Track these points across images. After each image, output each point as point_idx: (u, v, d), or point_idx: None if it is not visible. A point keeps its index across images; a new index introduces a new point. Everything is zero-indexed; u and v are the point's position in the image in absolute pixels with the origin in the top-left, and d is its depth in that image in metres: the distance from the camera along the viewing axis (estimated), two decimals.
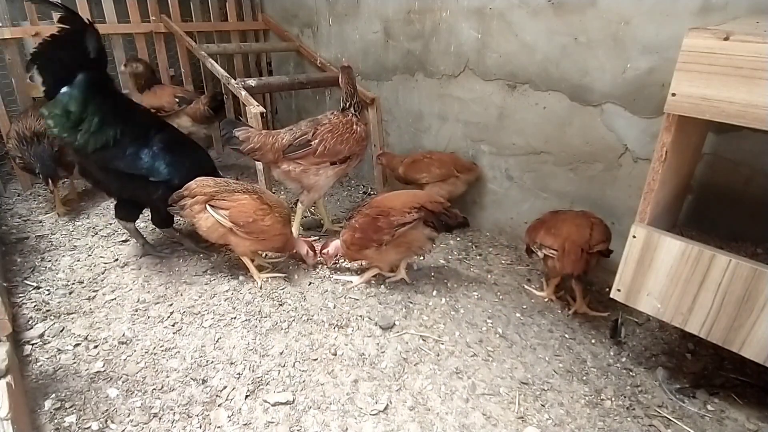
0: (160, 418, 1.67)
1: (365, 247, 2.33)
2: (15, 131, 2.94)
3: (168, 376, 1.85)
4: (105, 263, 2.58)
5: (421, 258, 2.78)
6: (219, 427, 1.65)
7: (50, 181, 2.90)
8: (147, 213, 2.76)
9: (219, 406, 1.74)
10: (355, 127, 2.66)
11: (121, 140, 2.34)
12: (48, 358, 1.92)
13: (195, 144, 2.78)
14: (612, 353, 2.09)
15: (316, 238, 2.88)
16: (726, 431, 1.72)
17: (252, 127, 2.72)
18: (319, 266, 2.64)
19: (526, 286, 2.57)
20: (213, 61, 3.32)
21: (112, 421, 1.65)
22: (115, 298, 2.30)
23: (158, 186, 2.43)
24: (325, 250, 2.49)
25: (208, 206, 2.30)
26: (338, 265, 2.67)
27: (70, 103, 2.22)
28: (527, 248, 2.41)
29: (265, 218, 2.34)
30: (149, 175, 2.41)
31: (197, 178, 2.38)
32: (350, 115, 2.68)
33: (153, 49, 3.90)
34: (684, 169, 1.90)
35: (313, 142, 2.60)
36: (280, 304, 2.30)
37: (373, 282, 2.50)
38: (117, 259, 2.63)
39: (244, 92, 3.00)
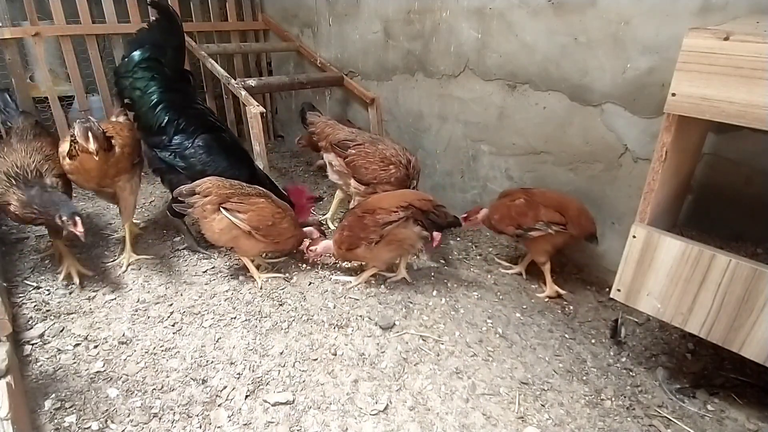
0: (160, 418, 1.67)
1: (354, 246, 2.33)
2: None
3: (168, 376, 1.85)
4: (105, 263, 2.58)
5: (422, 258, 2.78)
6: (219, 427, 1.65)
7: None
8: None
9: (219, 406, 1.74)
10: (390, 167, 2.69)
11: (165, 128, 2.57)
12: (48, 358, 1.92)
13: (241, 152, 2.76)
14: (612, 353, 2.09)
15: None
16: (726, 431, 1.72)
17: (322, 115, 3.06)
18: (319, 263, 2.65)
19: (497, 259, 2.72)
20: (213, 61, 3.32)
21: (112, 421, 1.65)
22: (115, 298, 2.30)
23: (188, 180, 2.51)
24: (313, 247, 2.49)
25: (222, 209, 2.28)
26: (338, 266, 2.67)
27: (122, 65, 2.62)
28: (514, 232, 2.44)
29: (282, 221, 2.38)
30: (183, 169, 2.57)
31: (210, 178, 2.36)
32: (401, 159, 2.71)
33: None
34: (684, 169, 1.90)
35: (349, 150, 2.77)
36: (280, 304, 2.30)
37: (373, 282, 2.50)
38: (116, 259, 2.63)
39: (244, 92, 3.00)
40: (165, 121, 2.57)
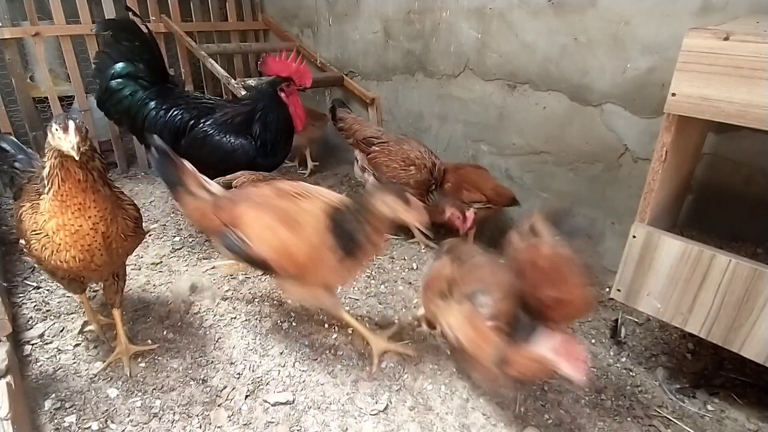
0: (160, 418, 1.68)
1: None
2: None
3: (168, 376, 1.85)
4: None
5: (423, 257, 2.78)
6: (219, 427, 1.65)
7: None
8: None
9: (219, 406, 1.74)
10: (411, 168, 2.68)
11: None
12: (48, 358, 1.92)
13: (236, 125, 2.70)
14: (612, 353, 2.09)
15: None
16: (726, 431, 1.72)
17: (351, 112, 3.18)
18: None
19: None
20: (213, 61, 3.32)
21: (112, 421, 1.65)
22: None
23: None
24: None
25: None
26: None
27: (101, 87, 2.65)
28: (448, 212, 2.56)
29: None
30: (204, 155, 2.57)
31: (243, 172, 2.45)
32: (425, 163, 2.68)
33: None
34: (684, 169, 1.90)
35: (372, 147, 2.82)
36: (280, 304, 2.30)
37: (372, 282, 2.50)
38: None
39: (244, 92, 3.00)
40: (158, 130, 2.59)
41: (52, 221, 1.51)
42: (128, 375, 1.85)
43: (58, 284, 1.91)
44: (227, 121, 2.60)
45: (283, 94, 2.61)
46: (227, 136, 2.56)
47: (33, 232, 1.58)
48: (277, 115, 2.61)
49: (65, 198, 1.49)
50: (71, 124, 1.41)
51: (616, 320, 2.20)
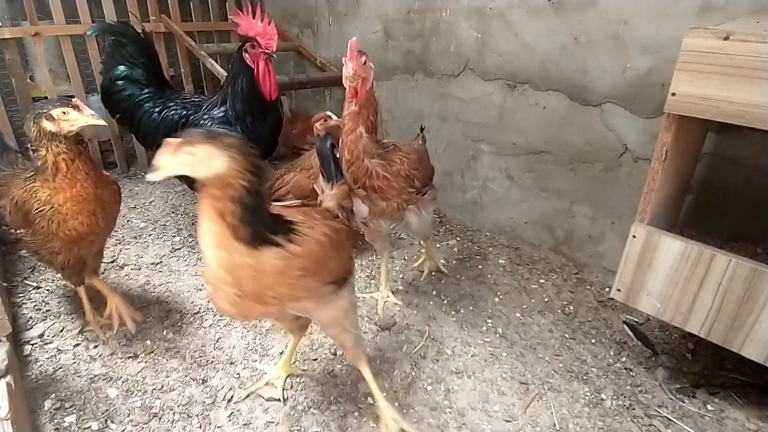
0: (160, 418, 1.68)
1: None
2: None
3: (168, 376, 1.85)
4: (104, 263, 2.58)
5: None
6: (219, 427, 1.65)
7: None
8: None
9: (219, 406, 1.74)
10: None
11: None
12: (48, 358, 1.92)
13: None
14: (612, 353, 2.09)
15: None
16: (726, 431, 1.72)
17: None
18: None
19: None
20: (213, 61, 3.31)
21: (112, 421, 1.66)
22: None
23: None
24: None
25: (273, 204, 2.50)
26: None
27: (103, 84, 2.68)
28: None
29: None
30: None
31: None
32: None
33: None
34: (684, 169, 1.90)
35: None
36: None
37: (372, 282, 2.50)
38: (114, 260, 2.63)
39: None
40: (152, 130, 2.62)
41: (59, 195, 1.62)
42: (113, 328, 1.97)
43: (57, 273, 2.00)
44: (215, 107, 2.52)
45: (247, 56, 2.35)
46: (215, 126, 2.47)
47: (37, 211, 1.65)
48: (243, 80, 2.39)
49: (75, 174, 1.62)
50: (77, 101, 1.57)
51: (634, 327, 2.19)
